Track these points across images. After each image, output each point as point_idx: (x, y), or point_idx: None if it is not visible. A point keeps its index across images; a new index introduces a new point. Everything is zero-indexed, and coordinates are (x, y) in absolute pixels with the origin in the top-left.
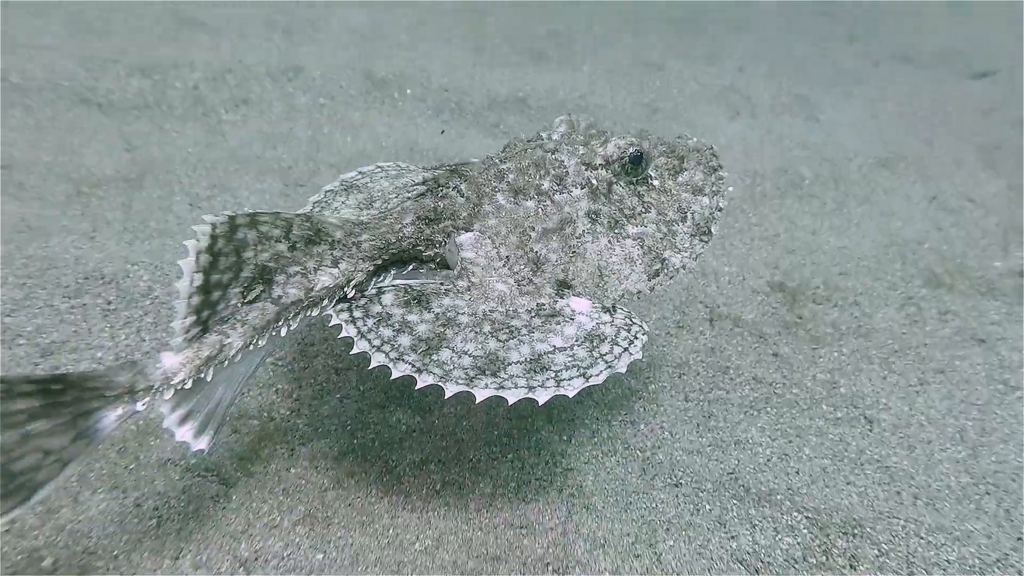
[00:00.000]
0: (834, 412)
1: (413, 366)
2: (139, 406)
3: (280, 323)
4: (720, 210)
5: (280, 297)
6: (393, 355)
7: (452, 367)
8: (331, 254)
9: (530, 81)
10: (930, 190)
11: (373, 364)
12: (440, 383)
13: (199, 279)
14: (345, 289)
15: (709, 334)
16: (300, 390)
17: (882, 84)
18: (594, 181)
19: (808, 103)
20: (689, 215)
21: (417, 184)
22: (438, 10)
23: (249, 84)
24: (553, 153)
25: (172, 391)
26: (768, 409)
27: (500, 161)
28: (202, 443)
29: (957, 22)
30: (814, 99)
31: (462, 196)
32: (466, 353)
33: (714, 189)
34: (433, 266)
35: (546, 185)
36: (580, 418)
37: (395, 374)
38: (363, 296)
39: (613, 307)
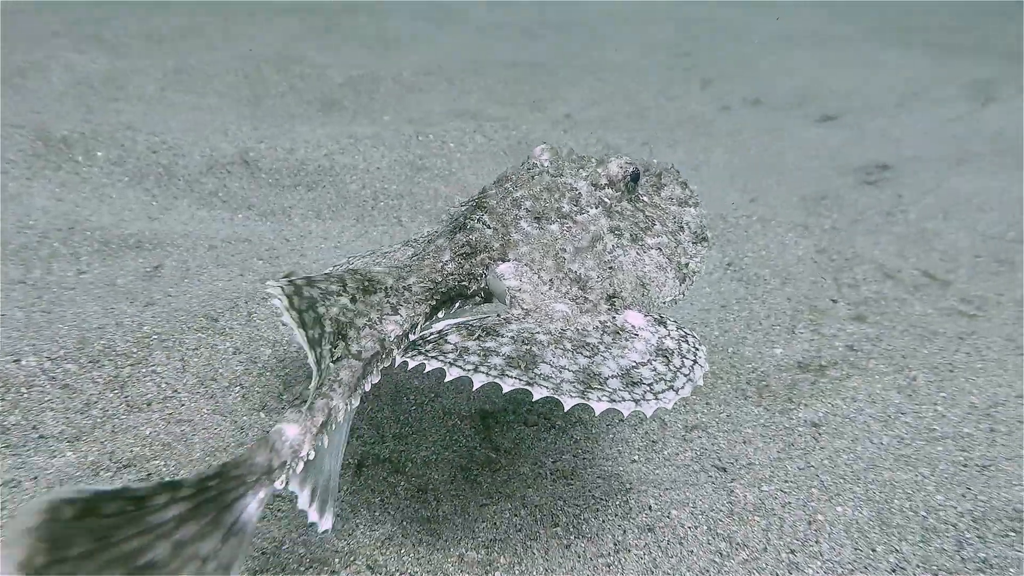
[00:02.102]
0: None
1: (520, 380)
2: (277, 485)
3: (365, 379)
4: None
5: (360, 352)
6: (494, 374)
7: (559, 380)
8: (388, 302)
9: (297, 138)
10: (728, 255)
11: (476, 384)
12: (557, 396)
13: (302, 335)
14: (410, 335)
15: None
16: None
17: (726, 130)
18: (606, 200)
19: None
20: (684, 225)
21: (447, 221)
22: (231, 56)
23: None
24: (559, 177)
25: (301, 464)
26: None
27: (513, 189)
28: (327, 523)
29: (814, 64)
30: (631, 150)
31: (488, 228)
32: (564, 368)
33: (694, 201)
34: (479, 300)
35: (566, 208)
36: None
37: (505, 389)
38: (426, 342)
39: (663, 319)
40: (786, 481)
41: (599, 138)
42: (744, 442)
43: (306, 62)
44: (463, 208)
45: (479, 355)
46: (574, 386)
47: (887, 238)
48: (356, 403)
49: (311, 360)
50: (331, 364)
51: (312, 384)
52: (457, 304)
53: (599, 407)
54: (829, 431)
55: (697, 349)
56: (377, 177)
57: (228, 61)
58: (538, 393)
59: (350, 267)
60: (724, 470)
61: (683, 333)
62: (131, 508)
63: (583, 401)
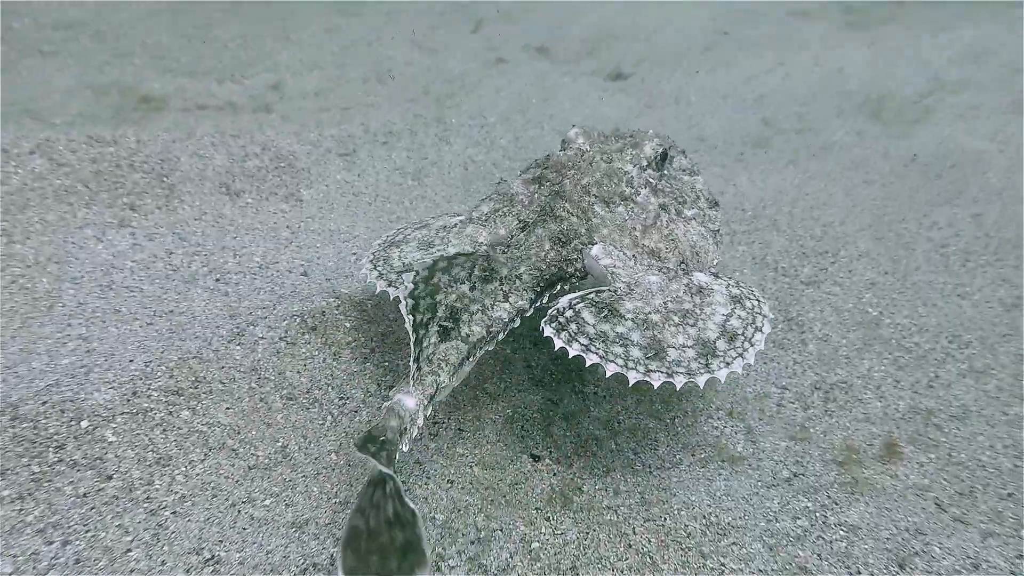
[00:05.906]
0: None
1: (664, 373)
2: (404, 447)
3: (470, 359)
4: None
5: (468, 335)
6: (641, 369)
7: (686, 362)
8: (501, 290)
9: None
10: None
11: (632, 381)
12: (694, 380)
13: (409, 320)
14: (514, 320)
15: None
16: None
17: (487, 90)
18: (650, 180)
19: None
20: (699, 193)
21: (534, 209)
22: None
23: None
24: (612, 163)
25: (416, 430)
26: None
27: (579, 176)
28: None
29: (607, 13)
30: (316, 157)
31: (574, 216)
32: (685, 347)
33: (695, 168)
34: (575, 281)
35: (626, 191)
36: None
37: (655, 384)
38: (561, 316)
39: (716, 274)
40: None
41: (268, 140)
42: None
43: None
44: (534, 194)
45: (620, 345)
46: (698, 363)
47: None
48: (456, 381)
49: (412, 340)
50: (441, 344)
51: (412, 359)
52: (558, 287)
53: (722, 374)
54: None
55: (751, 292)
56: None
57: None
58: (679, 382)
59: (473, 252)
60: None
61: (735, 280)
62: None
63: (713, 376)
